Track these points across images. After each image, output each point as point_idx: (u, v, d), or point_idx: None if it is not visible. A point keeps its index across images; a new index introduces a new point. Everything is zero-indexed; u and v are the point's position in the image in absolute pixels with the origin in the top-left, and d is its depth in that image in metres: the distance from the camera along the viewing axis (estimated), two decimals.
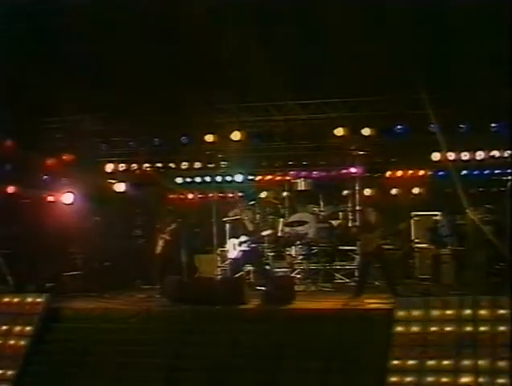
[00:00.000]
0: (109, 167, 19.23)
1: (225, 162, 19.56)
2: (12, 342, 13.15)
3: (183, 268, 16.79)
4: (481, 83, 13.49)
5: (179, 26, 13.10)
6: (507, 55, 12.18)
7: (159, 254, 16.28)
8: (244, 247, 15.77)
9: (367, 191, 20.58)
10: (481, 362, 10.80)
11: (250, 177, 21.89)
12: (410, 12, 12.21)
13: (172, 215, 16.76)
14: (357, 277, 15.63)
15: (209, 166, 19.67)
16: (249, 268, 16.89)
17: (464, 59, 13.23)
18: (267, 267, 17.04)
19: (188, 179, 21.97)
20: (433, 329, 11.47)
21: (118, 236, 18.07)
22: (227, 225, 18.24)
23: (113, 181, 19.07)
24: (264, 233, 16.34)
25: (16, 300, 13.87)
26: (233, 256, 16.04)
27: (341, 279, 17.15)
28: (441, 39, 13.01)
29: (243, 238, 15.81)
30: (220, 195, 22.08)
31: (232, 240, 16.35)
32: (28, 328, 13.30)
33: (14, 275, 15.44)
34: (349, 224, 18.68)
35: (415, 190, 21.69)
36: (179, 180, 21.98)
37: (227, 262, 17.30)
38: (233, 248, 16.10)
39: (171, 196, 23.18)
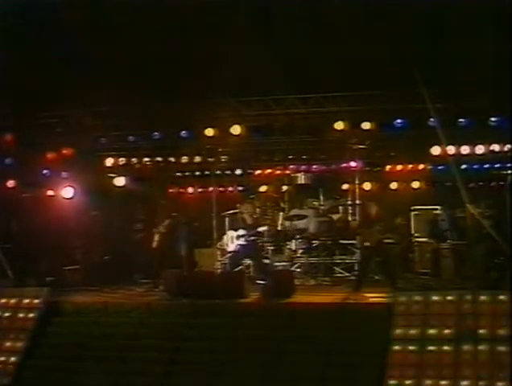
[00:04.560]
0: (109, 161, 19.24)
1: (225, 156, 19.55)
2: (12, 336, 13.19)
3: (183, 262, 16.83)
4: (481, 77, 13.49)
5: (179, 21, 13.08)
6: (507, 50, 12.17)
7: (156, 248, 16.25)
8: (242, 240, 15.82)
9: (367, 185, 20.57)
10: (480, 357, 10.82)
11: (250, 171, 21.93)
12: (410, 6, 12.19)
13: (167, 209, 16.71)
14: (357, 271, 15.66)
15: (209, 160, 19.67)
16: (248, 262, 16.90)
17: (464, 53, 13.22)
18: (267, 261, 17.07)
19: (188, 173, 21.99)
20: (432, 323, 11.48)
21: (118, 230, 18.08)
22: (226, 219, 18.26)
23: (113, 175, 19.08)
24: (260, 229, 16.32)
25: (16, 294, 13.89)
26: (230, 249, 16.11)
27: (341, 273, 17.14)
28: (441, 33, 13.00)
29: (241, 231, 15.86)
30: (220, 189, 22.10)
31: (230, 232, 16.42)
32: (28, 322, 13.34)
33: (15, 269, 15.45)
34: (349, 218, 18.69)
35: (415, 185, 21.72)
36: (179, 174, 22.01)
37: (227, 256, 17.32)
38: (231, 240, 16.14)
39: (171, 190, 23.22)
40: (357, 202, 18.14)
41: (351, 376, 11.27)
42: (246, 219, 16.24)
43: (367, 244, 14.41)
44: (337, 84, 15.08)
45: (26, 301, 13.71)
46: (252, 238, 16.03)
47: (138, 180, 19.82)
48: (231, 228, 16.77)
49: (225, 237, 16.83)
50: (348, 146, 17.90)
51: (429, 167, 20.27)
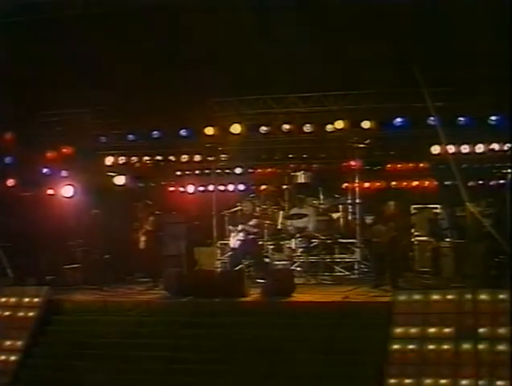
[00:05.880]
0: (109, 160, 19.24)
1: (225, 155, 19.56)
2: (12, 334, 13.19)
3: (183, 261, 16.85)
4: (481, 76, 13.49)
5: (179, 20, 13.08)
6: (507, 50, 12.16)
7: (144, 249, 16.18)
8: (241, 236, 15.90)
9: (366, 184, 20.59)
10: (481, 355, 10.83)
11: (250, 170, 21.95)
12: (410, 6, 12.18)
13: (150, 208, 16.63)
14: (373, 268, 15.82)
15: (209, 158, 19.67)
16: (249, 261, 16.90)
17: (464, 52, 13.22)
18: (267, 260, 17.08)
19: (188, 172, 22.01)
20: (433, 322, 11.48)
21: (118, 229, 18.08)
22: (226, 218, 18.28)
23: (113, 174, 19.08)
24: (251, 223, 16.32)
25: (16, 293, 13.90)
26: (232, 245, 16.21)
27: (341, 271, 17.16)
28: (442, 32, 12.99)
29: (240, 227, 15.97)
30: (220, 187, 22.12)
31: (232, 228, 16.54)
32: (28, 321, 13.34)
33: (14, 268, 15.46)
34: (349, 217, 18.71)
35: (415, 183, 21.74)
36: (179, 173, 22.02)
37: (227, 255, 17.32)
38: (234, 236, 16.23)
39: (171, 189, 23.24)
40: (357, 200, 18.16)
41: (351, 375, 11.28)
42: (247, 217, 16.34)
43: (381, 241, 14.58)
44: (337, 82, 15.08)
45: (26, 299, 13.72)
46: (252, 236, 16.08)
47: (138, 179, 19.79)
48: (234, 224, 16.85)
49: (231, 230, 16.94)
50: (348, 145, 17.91)
51: (429, 166, 20.28)
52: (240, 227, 16.31)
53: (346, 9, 12.56)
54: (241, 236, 16.20)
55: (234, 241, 16.42)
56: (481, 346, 10.94)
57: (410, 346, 11.24)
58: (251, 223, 16.23)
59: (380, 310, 12.17)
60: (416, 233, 18.21)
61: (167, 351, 12.51)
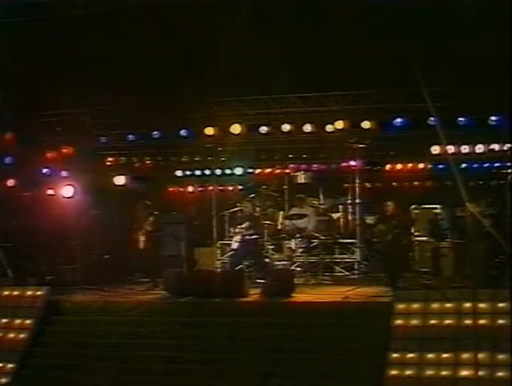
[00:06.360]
0: (109, 160, 19.23)
1: (225, 155, 19.56)
2: (12, 335, 13.20)
3: (183, 261, 16.84)
4: (481, 76, 13.49)
5: (179, 20, 13.08)
6: (507, 50, 12.15)
7: (144, 249, 16.16)
8: (239, 238, 15.89)
9: (367, 184, 20.60)
10: (480, 355, 10.82)
11: (250, 170, 21.95)
12: (411, 5, 12.18)
13: (149, 209, 16.60)
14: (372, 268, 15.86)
15: (209, 159, 19.67)
16: (249, 261, 16.89)
17: (464, 52, 13.22)
18: (267, 260, 17.07)
19: (188, 172, 22.02)
20: (432, 322, 11.48)
21: (118, 229, 18.08)
22: (226, 218, 18.28)
23: (113, 174, 19.08)
24: (243, 225, 16.32)
25: (16, 293, 13.91)
26: (233, 247, 16.25)
27: (341, 272, 17.15)
28: (442, 32, 12.99)
29: (237, 229, 15.97)
30: (220, 188, 22.12)
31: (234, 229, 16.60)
32: (28, 321, 13.36)
33: (14, 268, 15.46)
34: (349, 217, 18.70)
35: (415, 184, 21.75)
36: (179, 173, 22.02)
37: (227, 255, 17.32)
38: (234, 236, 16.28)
39: (171, 189, 23.26)
40: (357, 200, 18.15)
41: (351, 375, 11.28)
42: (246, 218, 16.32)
43: (383, 240, 14.62)
44: (337, 82, 15.08)
45: (26, 300, 13.72)
46: (248, 237, 16.08)
47: (138, 179, 19.80)
48: (234, 225, 16.88)
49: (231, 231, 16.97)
50: (348, 145, 17.90)
51: (429, 166, 20.29)
52: (237, 229, 16.33)
53: (346, 9, 12.55)
54: (238, 238, 16.20)
55: (233, 242, 16.43)
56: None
57: (410, 347, 11.26)
58: (244, 225, 16.21)
59: (380, 310, 12.16)
60: (416, 233, 18.21)
61: (167, 351, 12.52)
